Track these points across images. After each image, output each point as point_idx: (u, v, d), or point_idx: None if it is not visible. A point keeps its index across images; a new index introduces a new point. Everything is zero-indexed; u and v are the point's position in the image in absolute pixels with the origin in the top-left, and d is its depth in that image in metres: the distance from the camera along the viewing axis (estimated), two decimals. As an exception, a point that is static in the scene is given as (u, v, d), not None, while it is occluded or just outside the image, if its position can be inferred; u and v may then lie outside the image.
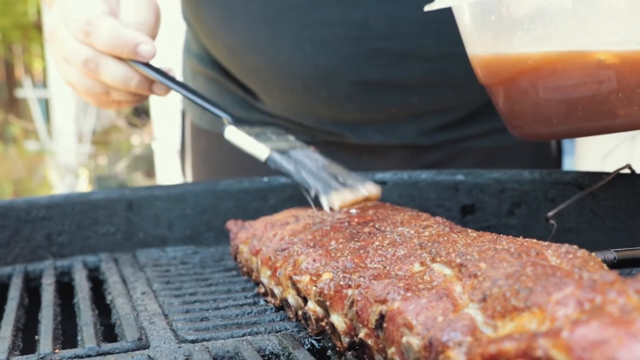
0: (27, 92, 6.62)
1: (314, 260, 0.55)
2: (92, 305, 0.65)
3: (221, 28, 1.05)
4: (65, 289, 0.75)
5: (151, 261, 0.82)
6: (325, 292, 0.51)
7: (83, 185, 5.49)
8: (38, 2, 6.51)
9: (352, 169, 1.06)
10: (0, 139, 6.86)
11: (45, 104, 6.67)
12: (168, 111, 3.79)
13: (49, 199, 0.85)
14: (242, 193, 0.90)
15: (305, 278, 0.55)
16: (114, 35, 0.78)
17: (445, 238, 0.52)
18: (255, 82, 1.08)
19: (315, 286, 0.53)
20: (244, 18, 1.02)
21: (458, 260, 0.46)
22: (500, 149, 1.11)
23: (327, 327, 0.53)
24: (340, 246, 0.56)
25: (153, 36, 0.85)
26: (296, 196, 0.89)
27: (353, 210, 0.68)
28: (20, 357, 0.53)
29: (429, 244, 0.52)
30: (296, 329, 0.57)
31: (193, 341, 0.55)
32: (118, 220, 0.87)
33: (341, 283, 0.50)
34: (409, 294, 0.44)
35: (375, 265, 0.51)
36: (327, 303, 0.51)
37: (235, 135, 0.79)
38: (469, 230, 0.55)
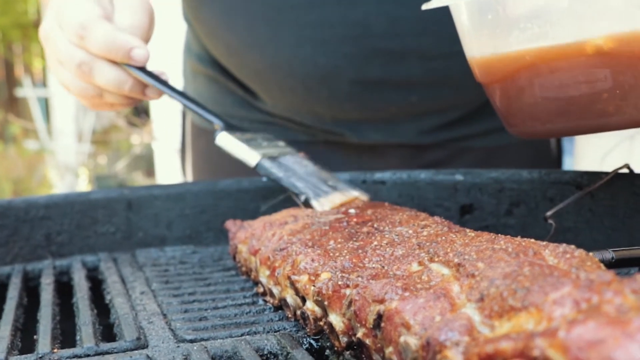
0: (26, 91, 6.63)
1: (313, 260, 0.55)
2: (91, 305, 0.65)
3: (221, 28, 1.05)
4: (64, 289, 0.75)
5: (150, 261, 0.82)
6: (324, 291, 0.51)
7: (83, 185, 5.49)
8: (38, 1, 6.51)
9: (352, 168, 1.07)
10: (0, 138, 6.86)
11: (45, 103, 6.68)
12: (168, 111, 3.79)
13: (48, 198, 0.86)
14: (241, 193, 0.91)
15: (304, 278, 0.55)
16: (108, 39, 0.79)
17: (444, 238, 0.52)
18: (255, 81, 1.08)
19: (314, 286, 0.53)
20: (244, 18, 1.02)
21: (456, 260, 0.46)
22: (500, 148, 1.12)
23: (325, 327, 0.53)
24: (339, 246, 0.56)
25: (147, 39, 0.85)
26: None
27: (352, 210, 0.68)
28: (18, 356, 0.53)
29: (427, 244, 0.52)
30: (294, 329, 0.57)
31: (191, 341, 0.55)
32: (117, 219, 0.87)
33: (339, 283, 0.51)
34: (406, 294, 0.44)
35: (374, 265, 0.51)
36: (325, 303, 0.51)
37: (226, 141, 0.80)
38: (467, 230, 0.55)
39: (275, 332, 0.57)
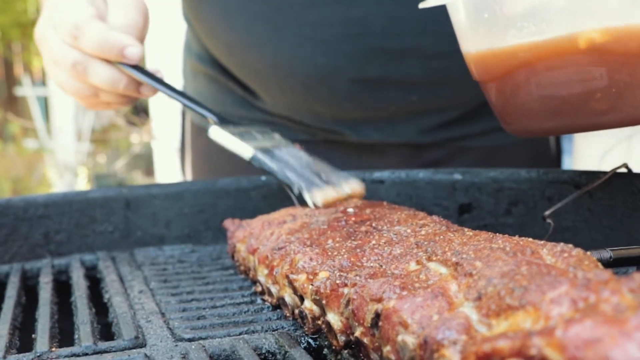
0: (26, 90, 6.62)
1: (311, 259, 0.55)
2: (90, 304, 0.65)
3: (221, 27, 1.06)
4: (62, 288, 0.75)
5: (149, 260, 0.82)
6: (322, 290, 0.51)
7: (82, 184, 5.49)
8: (37, 0, 6.50)
9: (352, 167, 1.07)
10: (-1, 137, 6.86)
11: (45, 102, 6.67)
12: (167, 110, 3.79)
13: (46, 197, 0.86)
14: (240, 192, 0.91)
15: (302, 277, 0.55)
16: (101, 38, 0.79)
17: (442, 237, 0.52)
18: (255, 81, 1.08)
19: (312, 285, 0.53)
20: (243, 17, 1.02)
21: (454, 259, 0.46)
22: (499, 147, 1.12)
23: (323, 326, 0.53)
24: (337, 245, 0.56)
25: (141, 38, 0.86)
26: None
27: (350, 209, 0.68)
28: (17, 355, 0.53)
29: (425, 243, 0.52)
30: (293, 328, 0.57)
31: (190, 340, 0.55)
32: (116, 218, 0.87)
33: (337, 282, 0.51)
34: (404, 293, 0.44)
35: (372, 264, 0.51)
36: (324, 302, 0.51)
37: (219, 134, 0.80)
38: (466, 229, 0.55)
39: (273, 331, 0.57)
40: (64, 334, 0.61)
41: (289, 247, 0.60)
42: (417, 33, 0.98)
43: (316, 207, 0.73)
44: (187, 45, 1.23)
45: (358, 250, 0.54)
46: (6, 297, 0.68)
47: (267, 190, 0.91)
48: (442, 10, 0.70)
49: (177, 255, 0.84)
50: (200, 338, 0.55)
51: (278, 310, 0.62)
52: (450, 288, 0.43)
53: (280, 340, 0.53)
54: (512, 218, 0.86)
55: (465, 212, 0.89)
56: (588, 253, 0.44)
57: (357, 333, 0.47)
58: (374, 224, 0.61)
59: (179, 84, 1.29)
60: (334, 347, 0.52)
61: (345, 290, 0.50)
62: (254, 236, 0.69)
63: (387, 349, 0.43)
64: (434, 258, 0.48)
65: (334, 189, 0.76)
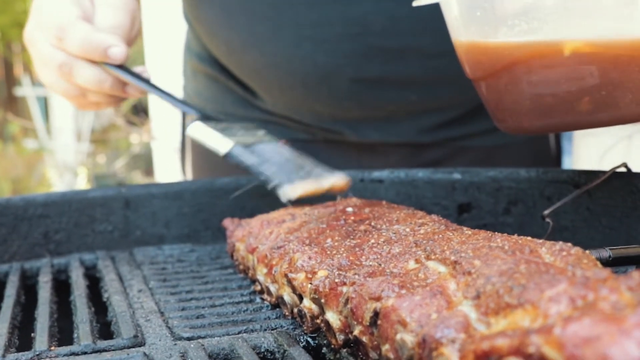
0: (26, 90, 6.62)
1: (310, 258, 0.55)
2: (89, 303, 0.65)
3: (221, 26, 1.06)
4: (62, 287, 0.75)
5: (148, 259, 0.82)
6: (321, 289, 0.51)
7: (82, 184, 5.49)
8: (37, 0, 6.48)
9: (352, 167, 1.07)
10: (-1, 138, 6.85)
11: (44, 103, 6.67)
12: (167, 109, 3.79)
13: (46, 196, 0.86)
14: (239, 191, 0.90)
15: (301, 276, 0.55)
16: (85, 39, 0.80)
17: (440, 236, 0.52)
18: (254, 80, 1.08)
19: (311, 284, 0.53)
20: (243, 16, 1.02)
21: (452, 258, 0.46)
22: (499, 147, 1.12)
23: (322, 325, 0.53)
24: (336, 244, 0.56)
25: (128, 38, 0.86)
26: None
27: (349, 209, 0.68)
28: (16, 354, 0.53)
29: (424, 242, 0.52)
30: (292, 327, 0.57)
31: (189, 338, 0.55)
32: (115, 218, 0.87)
33: (336, 280, 0.51)
34: (403, 292, 0.44)
35: (371, 263, 0.51)
36: (322, 300, 0.51)
37: (198, 130, 0.80)
38: (464, 228, 0.55)
39: (272, 330, 0.57)
40: (63, 332, 0.61)
41: (288, 246, 0.60)
42: (416, 32, 0.98)
43: (290, 202, 0.72)
44: (188, 45, 1.23)
45: (357, 249, 0.54)
46: (5, 296, 0.68)
47: (267, 189, 0.91)
48: (440, 9, 0.70)
49: (176, 254, 0.84)
50: (199, 337, 0.55)
51: (277, 309, 0.62)
52: (449, 287, 0.43)
53: (279, 339, 0.53)
54: (511, 217, 0.86)
55: (464, 211, 0.89)
56: (587, 252, 0.44)
57: (356, 332, 0.47)
58: (372, 223, 0.61)
59: (179, 84, 1.29)
60: (332, 346, 0.52)
61: (344, 289, 0.50)
62: (253, 235, 0.69)
63: (385, 347, 0.43)
64: (433, 257, 0.48)
65: (312, 182, 0.76)
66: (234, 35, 1.04)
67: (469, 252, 0.46)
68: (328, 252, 0.55)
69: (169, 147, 4.07)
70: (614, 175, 0.75)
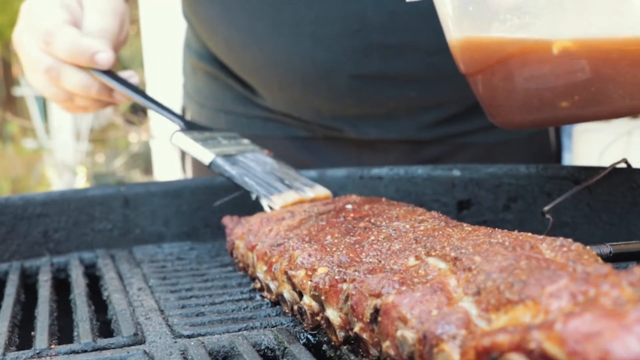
0: (24, 90, 6.61)
1: (309, 255, 0.55)
2: (89, 301, 0.65)
3: (220, 24, 1.06)
4: (61, 286, 0.75)
5: (148, 257, 0.82)
6: (321, 286, 0.51)
7: (81, 183, 5.49)
8: None
9: (352, 163, 1.07)
10: (-2, 137, 6.85)
11: (43, 102, 6.67)
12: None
13: (45, 195, 0.85)
14: (238, 189, 0.90)
15: (301, 273, 0.55)
16: (72, 44, 0.81)
17: (441, 232, 0.52)
18: (254, 77, 1.08)
19: (311, 281, 0.53)
20: (242, 14, 1.02)
21: (453, 254, 0.46)
22: (499, 144, 1.12)
23: (322, 322, 0.53)
24: (336, 241, 0.56)
25: (117, 43, 0.87)
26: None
27: (349, 206, 0.68)
28: (16, 352, 0.53)
29: (424, 238, 0.52)
30: (292, 324, 0.57)
31: (189, 336, 0.55)
32: (114, 216, 0.87)
33: (336, 277, 0.50)
34: (403, 288, 0.44)
35: (371, 260, 0.51)
36: (323, 297, 0.51)
37: (181, 141, 0.80)
38: (465, 225, 0.55)
39: (272, 327, 0.57)
40: (63, 331, 0.61)
41: (288, 244, 0.60)
42: (416, 29, 0.97)
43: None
44: (187, 43, 1.23)
45: (357, 246, 0.54)
46: (5, 295, 0.68)
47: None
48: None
49: (176, 252, 0.84)
50: (200, 334, 0.55)
51: (277, 306, 0.62)
52: (449, 283, 0.43)
53: (279, 337, 0.53)
54: (511, 214, 0.86)
55: (464, 208, 0.89)
56: (588, 248, 0.44)
57: (356, 329, 0.47)
58: (372, 220, 0.61)
59: (179, 82, 1.29)
60: (333, 343, 0.52)
61: (344, 285, 0.50)
62: (253, 233, 0.69)
63: (386, 344, 0.43)
64: (433, 253, 0.48)
65: (294, 194, 0.77)
66: (233, 33, 1.04)
67: (469, 249, 0.46)
68: (328, 249, 0.55)
69: (168, 146, 4.07)
70: (614, 171, 0.75)
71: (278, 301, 0.61)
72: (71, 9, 0.84)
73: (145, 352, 0.52)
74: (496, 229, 0.51)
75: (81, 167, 5.66)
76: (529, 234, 0.47)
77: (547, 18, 0.59)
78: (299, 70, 1.01)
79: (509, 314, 0.37)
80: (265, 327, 0.57)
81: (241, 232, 0.72)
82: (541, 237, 0.45)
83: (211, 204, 0.90)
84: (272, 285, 0.61)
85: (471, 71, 0.68)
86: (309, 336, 0.55)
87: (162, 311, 0.62)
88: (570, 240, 0.44)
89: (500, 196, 0.86)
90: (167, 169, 4.27)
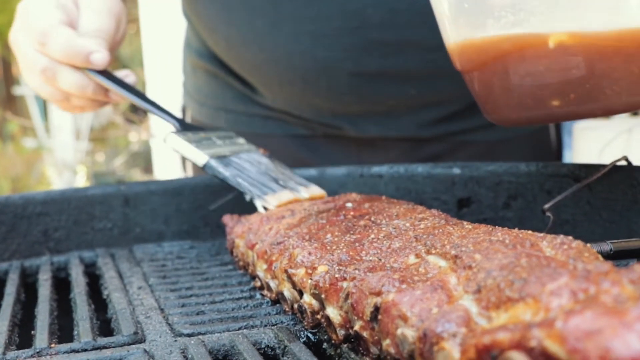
0: (24, 89, 6.61)
1: (310, 254, 0.55)
2: (89, 300, 0.65)
3: (220, 22, 1.06)
4: (61, 285, 0.75)
5: (148, 256, 0.82)
6: (321, 284, 0.51)
7: (81, 182, 5.48)
8: None
9: (352, 162, 1.07)
10: (-2, 137, 6.84)
11: (43, 101, 6.66)
12: (166, 107, 3.77)
13: (45, 194, 0.85)
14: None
15: (301, 271, 0.55)
16: (67, 45, 0.81)
17: (441, 230, 0.52)
18: (254, 75, 1.08)
19: (311, 279, 0.53)
20: (242, 12, 1.02)
21: (453, 252, 0.46)
22: (500, 142, 1.11)
23: (322, 320, 0.52)
24: (336, 239, 0.56)
25: (113, 43, 0.87)
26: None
27: (349, 204, 0.68)
28: (16, 351, 0.53)
29: (424, 236, 0.51)
30: (292, 322, 0.57)
31: (189, 335, 0.55)
32: (114, 215, 0.87)
33: (336, 276, 0.50)
34: (403, 286, 0.44)
35: (371, 258, 0.51)
36: (323, 296, 0.51)
37: (175, 142, 0.80)
38: (465, 223, 0.55)
39: (272, 325, 0.57)
40: (63, 330, 0.61)
41: (288, 242, 0.60)
42: (415, 26, 0.97)
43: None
44: (187, 42, 1.23)
45: (357, 244, 0.54)
46: (5, 294, 0.68)
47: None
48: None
49: (176, 251, 0.84)
50: (200, 333, 0.55)
51: (277, 305, 0.62)
52: (449, 281, 0.43)
53: (279, 335, 0.53)
54: (511, 212, 0.86)
55: (464, 206, 0.89)
56: (588, 245, 0.44)
57: (357, 327, 0.47)
58: (372, 218, 0.61)
59: (179, 80, 1.29)
60: (333, 342, 0.52)
61: (344, 284, 0.50)
62: (253, 231, 0.69)
63: (386, 342, 0.43)
64: (433, 251, 0.48)
65: (288, 194, 0.76)
66: (233, 30, 1.04)
67: (469, 246, 0.46)
68: (328, 248, 0.55)
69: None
70: (614, 168, 0.75)
71: (278, 300, 0.61)
72: (67, 9, 0.84)
73: (145, 350, 0.52)
74: (496, 226, 0.50)
75: (81, 166, 5.66)
76: (529, 232, 0.47)
77: (541, 15, 0.59)
78: (298, 67, 1.01)
79: (510, 312, 0.37)
80: (266, 326, 0.57)
81: (241, 230, 0.72)
82: (541, 234, 0.45)
83: (211, 203, 0.90)
84: (272, 284, 0.61)
85: (466, 68, 0.68)
86: (309, 335, 0.55)
87: (162, 310, 0.62)
88: (570, 237, 0.44)
89: (501, 194, 0.86)
90: (167, 167, 4.27)
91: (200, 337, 0.54)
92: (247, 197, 0.76)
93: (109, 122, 6.12)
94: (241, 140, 0.87)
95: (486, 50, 0.63)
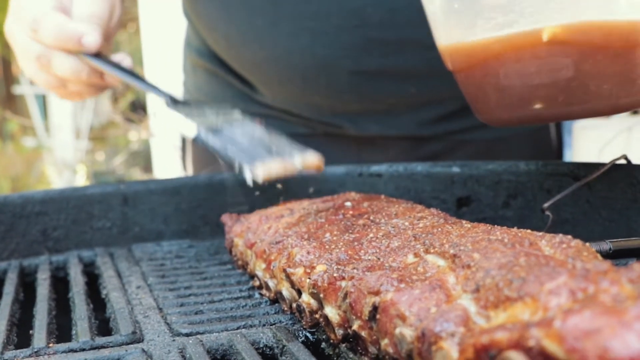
0: (24, 88, 6.61)
1: (308, 253, 0.55)
2: (87, 300, 0.65)
3: (220, 21, 1.06)
4: (60, 284, 0.75)
5: (146, 255, 0.81)
6: (319, 284, 0.51)
7: (81, 181, 5.48)
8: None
9: (352, 160, 1.07)
10: (-2, 136, 6.84)
11: (43, 101, 6.66)
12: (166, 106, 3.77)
13: (44, 193, 0.85)
14: (237, 186, 0.90)
15: (299, 270, 0.55)
16: (59, 30, 0.81)
17: (439, 229, 0.52)
18: (253, 74, 1.08)
19: (309, 278, 0.53)
20: (242, 10, 1.02)
21: (452, 251, 0.46)
22: (499, 140, 1.11)
23: (321, 320, 0.52)
24: (335, 238, 0.56)
25: (108, 28, 0.87)
26: (291, 190, 0.89)
27: (348, 203, 0.68)
28: (14, 351, 0.53)
29: (423, 236, 0.51)
30: (290, 322, 0.57)
31: (187, 334, 0.55)
32: (113, 214, 0.87)
33: (335, 275, 0.50)
34: (402, 285, 0.44)
35: (369, 257, 0.51)
36: (321, 295, 0.51)
37: (166, 114, 0.79)
38: (464, 222, 0.55)
39: (271, 325, 0.57)
40: (61, 329, 0.61)
41: (287, 241, 0.60)
42: (415, 24, 0.97)
43: (256, 182, 0.71)
44: (187, 41, 1.23)
45: (355, 243, 0.54)
46: (4, 294, 0.68)
47: (264, 185, 0.91)
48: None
49: (175, 250, 0.84)
50: (198, 333, 0.55)
51: (276, 304, 0.62)
52: (448, 280, 0.43)
53: (278, 335, 0.53)
54: (510, 211, 0.86)
55: (463, 205, 0.88)
56: (587, 244, 0.43)
57: (355, 326, 0.47)
58: (371, 217, 0.60)
59: (179, 79, 1.29)
60: (331, 341, 0.51)
61: (343, 283, 0.50)
62: (252, 230, 0.69)
63: (384, 341, 0.43)
64: (432, 250, 0.48)
65: (281, 162, 0.73)
66: (233, 29, 1.04)
67: (468, 246, 0.46)
68: (327, 247, 0.55)
69: (168, 144, 4.07)
70: (613, 167, 0.75)
71: (277, 299, 0.61)
72: None
73: (143, 350, 0.52)
74: (495, 226, 0.50)
75: (81, 165, 5.66)
76: (528, 231, 0.47)
77: (531, 15, 0.60)
78: (298, 66, 1.01)
79: (508, 311, 0.37)
80: (264, 325, 0.57)
81: (240, 229, 0.72)
82: (540, 234, 0.45)
83: (210, 202, 0.90)
84: (271, 283, 0.61)
85: (457, 68, 0.68)
86: (308, 334, 0.55)
87: (160, 309, 0.62)
88: (569, 237, 0.44)
89: (500, 193, 0.86)
90: (167, 166, 4.27)
91: (198, 336, 0.54)
92: (236, 167, 0.74)
93: (108, 121, 6.12)
94: (236, 112, 0.85)
95: (476, 52, 0.64)
